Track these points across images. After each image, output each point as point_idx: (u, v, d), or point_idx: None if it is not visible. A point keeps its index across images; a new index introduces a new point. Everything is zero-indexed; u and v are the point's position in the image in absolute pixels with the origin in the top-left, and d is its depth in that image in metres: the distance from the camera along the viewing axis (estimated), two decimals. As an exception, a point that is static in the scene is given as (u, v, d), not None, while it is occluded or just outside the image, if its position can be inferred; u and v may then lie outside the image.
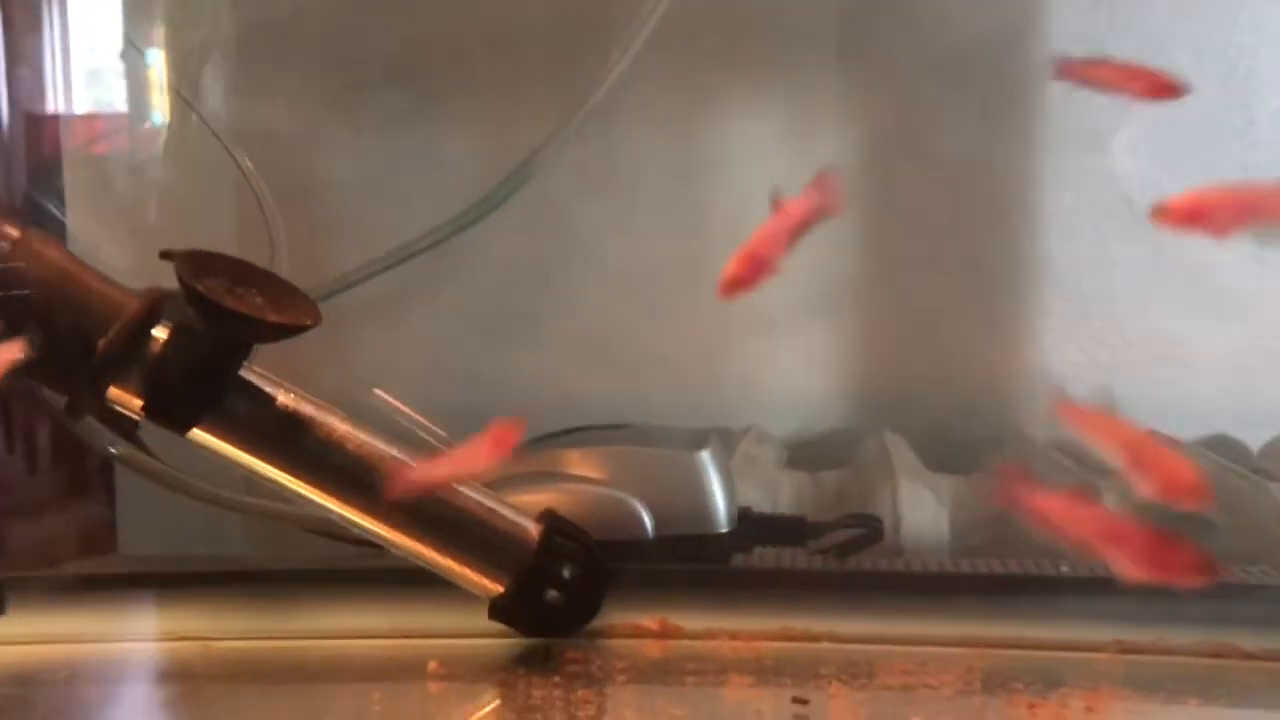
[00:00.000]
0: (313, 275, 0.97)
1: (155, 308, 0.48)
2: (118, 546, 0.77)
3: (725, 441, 0.96)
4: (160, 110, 1.01)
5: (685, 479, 0.61)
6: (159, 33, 1.01)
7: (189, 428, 0.49)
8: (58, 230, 0.92)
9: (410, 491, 0.49)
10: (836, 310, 1.06)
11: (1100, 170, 1.01)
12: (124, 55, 0.99)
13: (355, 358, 1.02)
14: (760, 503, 0.83)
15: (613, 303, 1.06)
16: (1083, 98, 1.01)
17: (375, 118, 1.05)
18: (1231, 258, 1.00)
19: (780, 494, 0.88)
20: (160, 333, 0.48)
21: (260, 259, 0.95)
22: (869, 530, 0.66)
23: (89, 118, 1.01)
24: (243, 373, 0.50)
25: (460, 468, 0.48)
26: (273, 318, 0.48)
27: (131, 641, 0.55)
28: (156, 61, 1.00)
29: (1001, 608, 0.52)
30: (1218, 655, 0.49)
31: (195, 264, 0.48)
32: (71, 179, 0.98)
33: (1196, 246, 1.02)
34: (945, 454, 0.94)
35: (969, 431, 1.01)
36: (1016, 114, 1.02)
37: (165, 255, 0.48)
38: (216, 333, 0.48)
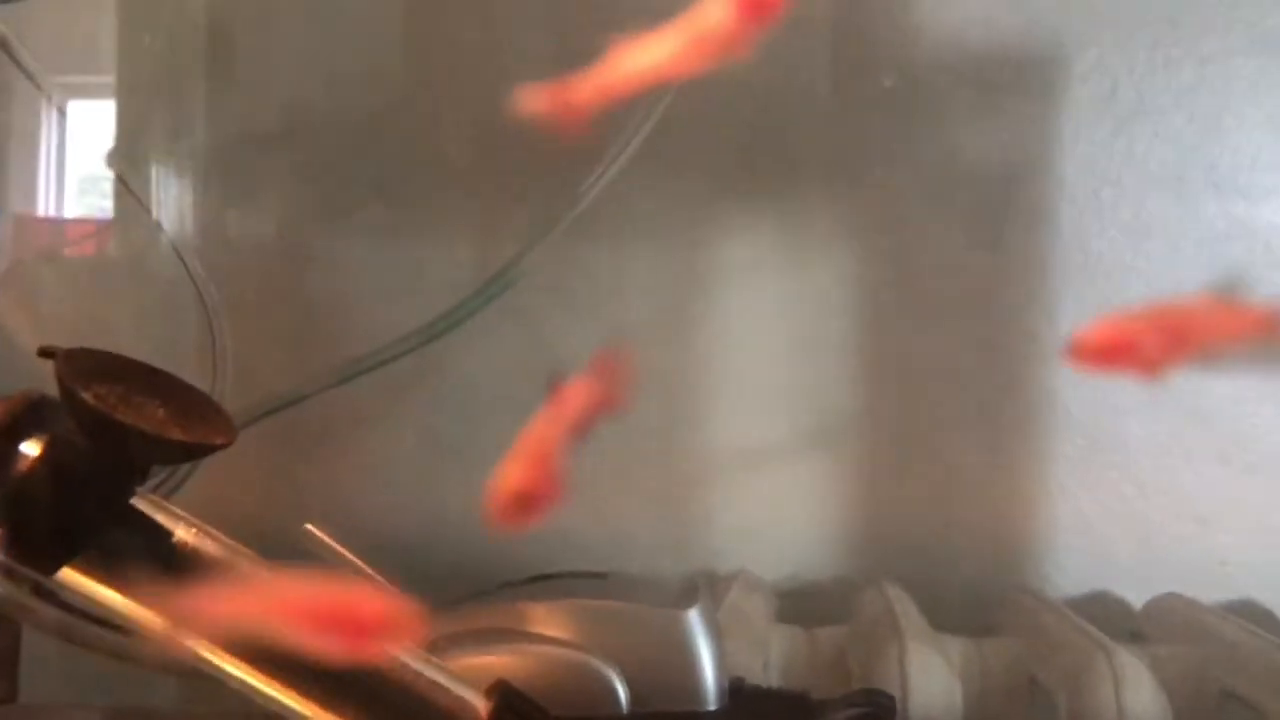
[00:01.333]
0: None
1: (23, 416, 0.39)
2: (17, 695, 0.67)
3: (710, 588, 0.88)
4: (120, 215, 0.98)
5: (668, 644, 0.52)
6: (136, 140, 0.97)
7: (57, 567, 0.40)
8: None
9: None
10: (833, 450, 0.99)
11: (1116, 304, 0.95)
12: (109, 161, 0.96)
13: (308, 481, 0.96)
14: (749, 662, 0.74)
15: (592, 434, 0.98)
16: (1096, 231, 0.96)
17: (356, 231, 1.00)
18: (1259, 405, 0.94)
19: (771, 652, 0.80)
20: (32, 448, 0.39)
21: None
22: (880, 710, 0.56)
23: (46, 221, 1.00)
24: (134, 500, 0.41)
25: None
26: (174, 434, 0.40)
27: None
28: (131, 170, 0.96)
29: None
30: None
31: (82, 365, 0.39)
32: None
33: (1219, 392, 0.97)
34: (949, 608, 0.87)
35: (974, 584, 0.93)
36: (1027, 246, 0.97)
37: (44, 353, 0.39)
38: (102, 449, 0.39)
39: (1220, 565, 0.95)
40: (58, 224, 1.00)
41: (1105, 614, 0.93)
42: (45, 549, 0.39)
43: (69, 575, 0.40)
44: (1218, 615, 0.84)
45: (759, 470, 0.99)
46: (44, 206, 0.99)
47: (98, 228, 1.00)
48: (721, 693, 0.52)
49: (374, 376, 0.90)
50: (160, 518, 0.41)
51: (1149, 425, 0.95)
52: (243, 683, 0.41)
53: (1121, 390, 0.95)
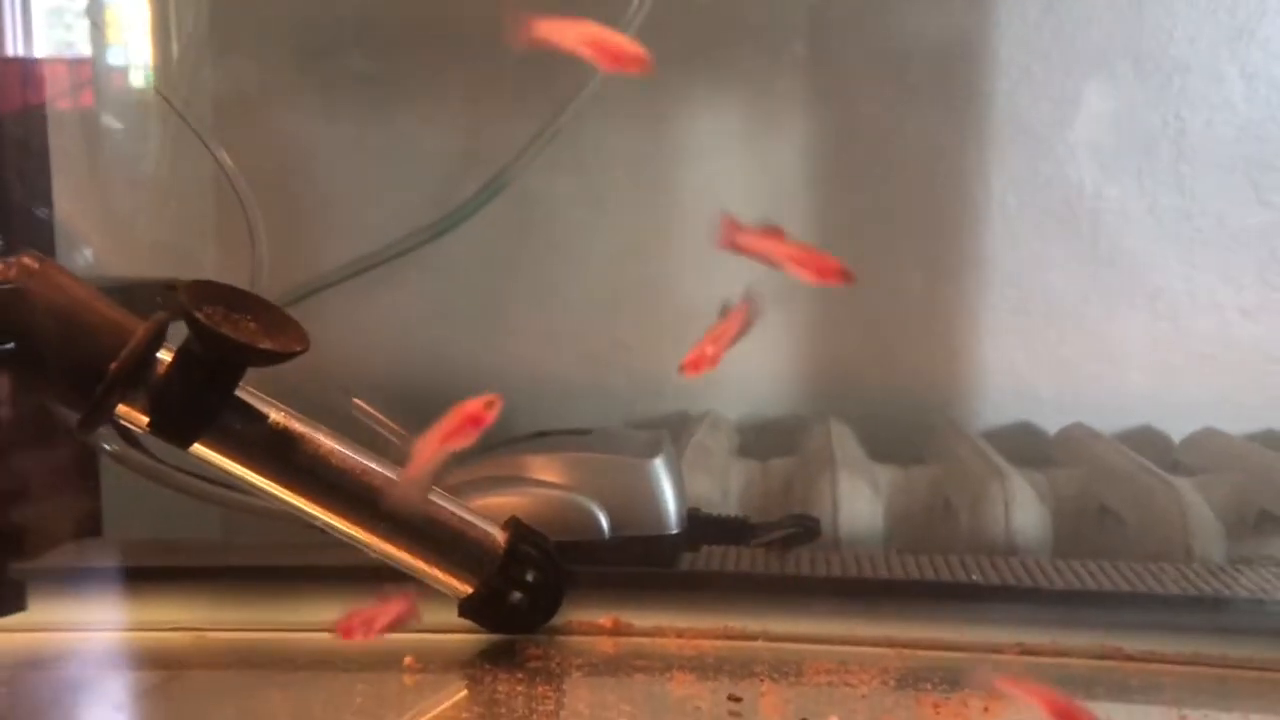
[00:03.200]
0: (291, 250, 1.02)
1: (160, 333, 0.53)
2: (102, 530, 0.82)
3: (683, 425, 1.02)
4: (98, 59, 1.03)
5: (639, 484, 0.66)
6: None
7: (191, 443, 0.54)
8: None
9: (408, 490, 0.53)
10: (790, 303, 1.11)
11: (1043, 174, 1.08)
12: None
13: (329, 340, 1.07)
14: (711, 491, 0.89)
15: (578, 292, 1.11)
16: (1028, 105, 1.07)
17: (352, 106, 1.09)
18: (1165, 258, 1.07)
19: (730, 483, 0.94)
20: (164, 356, 0.53)
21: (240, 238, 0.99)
22: (807, 528, 0.72)
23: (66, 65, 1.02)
24: (238, 392, 0.55)
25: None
26: (265, 344, 0.53)
27: (127, 631, 0.60)
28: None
29: (919, 611, 0.58)
30: (1105, 657, 0.56)
31: (196, 293, 0.53)
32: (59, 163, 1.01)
33: (1132, 249, 1.10)
34: (888, 441, 1.01)
35: (911, 420, 1.07)
36: (965, 118, 1.08)
37: (170, 286, 0.52)
38: (214, 357, 0.53)
39: (1127, 397, 1.09)
40: (30, 65, 0.97)
41: (1023, 441, 1.07)
42: (180, 429, 0.53)
43: (198, 449, 0.54)
44: (1108, 442, 0.98)
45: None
46: (12, 46, 0.96)
47: (71, 68, 1.00)
48: (681, 519, 0.68)
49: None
50: (259, 405, 0.55)
51: (1071, 278, 1.08)
52: (317, 519, 0.55)
53: (1047, 248, 1.08)
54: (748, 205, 1.10)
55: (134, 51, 1.04)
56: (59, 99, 1.01)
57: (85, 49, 1.03)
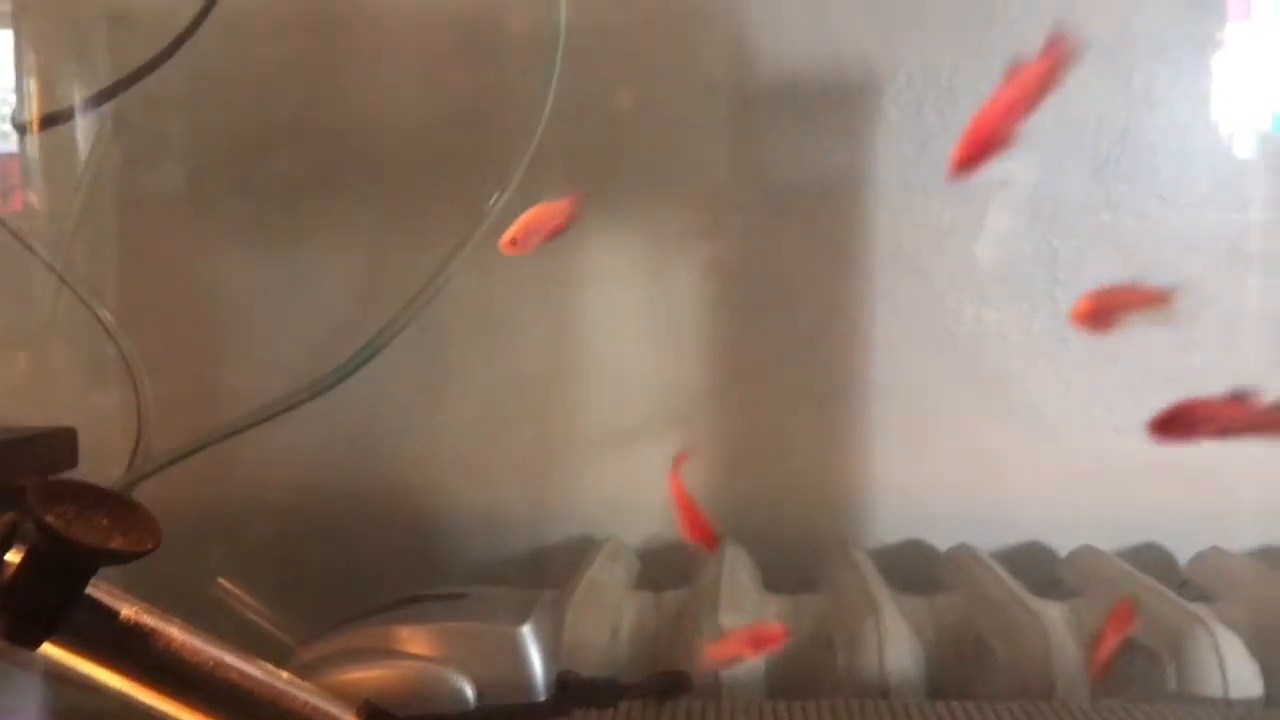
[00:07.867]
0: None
1: (8, 537, 0.53)
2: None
3: (585, 551, 1.03)
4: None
5: (506, 653, 0.67)
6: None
7: (38, 645, 0.54)
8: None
9: None
10: (687, 428, 1.14)
11: (924, 300, 1.12)
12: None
13: (228, 462, 1.07)
14: (600, 633, 0.90)
15: (480, 418, 1.13)
16: (908, 235, 1.11)
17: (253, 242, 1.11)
18: (1041, 381, 1.11)
19: (623, 620, 0.94)
20: (13, 557, 0.54)
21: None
22: (675, 684, 0.73)
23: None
24: (89, 590, 0.55)
25: None
26: (114, 544, 0.54)
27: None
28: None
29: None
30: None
31: (47, 494, 0.53)
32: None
33: (1011, 371, 1.13)
34: (785, 564, 1.03)
35: (806, 542, 1.09)
36: (849, 248, 1.12)
37: (20, 489, 0.53)
38: (65, 559, 0.53)
39: (1013, 513, 1.12)
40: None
41: (915, 560, 1.10)
42: (28, 632, 0.54)
43: (47, 649, 0.54)
44: (987, 566, 0.99)
45: (625, 447, 1.14)
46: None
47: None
48: (549, 685, 0.69)
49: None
50: (110, 601, 0.56)
51: (954, 399, 1.12)
52: (166, 714, 0.56)
53: (931, 370, 1.12)
54: (644, 335, 1.13)
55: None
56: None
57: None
